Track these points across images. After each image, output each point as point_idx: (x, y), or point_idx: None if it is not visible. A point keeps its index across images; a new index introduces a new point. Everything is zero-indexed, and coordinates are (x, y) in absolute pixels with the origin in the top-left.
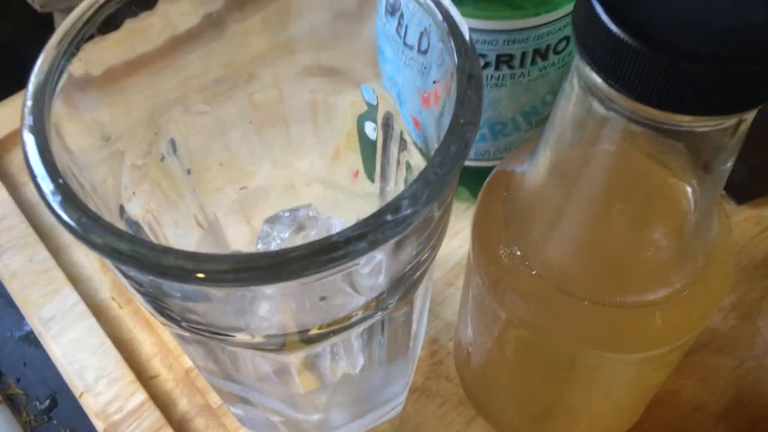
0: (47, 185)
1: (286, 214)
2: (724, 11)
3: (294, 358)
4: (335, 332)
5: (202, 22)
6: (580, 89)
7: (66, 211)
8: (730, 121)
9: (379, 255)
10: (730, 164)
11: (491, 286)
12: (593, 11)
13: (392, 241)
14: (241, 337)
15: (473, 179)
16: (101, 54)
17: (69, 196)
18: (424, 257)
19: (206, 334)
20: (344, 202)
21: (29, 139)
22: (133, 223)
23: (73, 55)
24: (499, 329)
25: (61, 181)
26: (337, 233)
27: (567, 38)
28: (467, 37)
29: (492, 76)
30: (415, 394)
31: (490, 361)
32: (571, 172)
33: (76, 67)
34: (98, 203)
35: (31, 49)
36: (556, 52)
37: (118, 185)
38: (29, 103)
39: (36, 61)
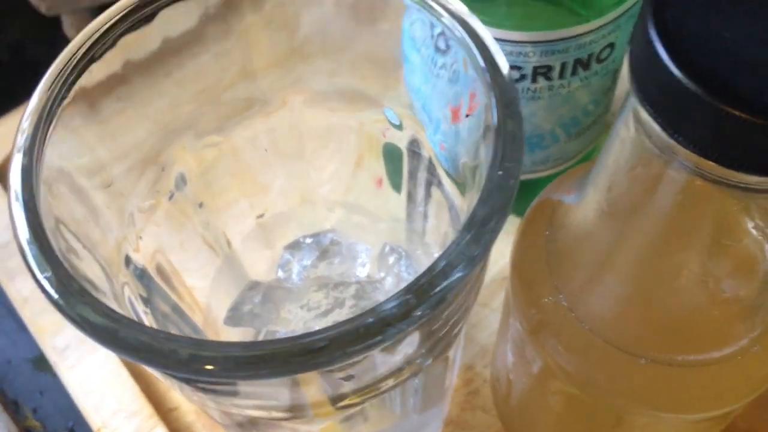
0: (42, 270)
1: (308, 240)
2: None
3: (320, 425)
4: (366, 399)
5: (207, 54)
6: (637, 134)
7: (55, 290)
8: None
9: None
10: None
11: (532, 334)
12: (655, 51)
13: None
14: (255, 413)
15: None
16: (96, 93)
17: (64, 281)
18: (462, 314)
19: (216, 402)
20: (369, 226)
21: (18, 212)
22: (141, 273)
23: (64, 98)
24: (539, 377)
25: (55, 261)
26: (372, 312)
27: (611, 45)
28: (507, 77)
29: (528, 89)
30: (450, 427)
31: (530, 403)
32: (626, 217)
33: (69, 114)
34: (98, 258)
35: (39, 53)
36: (599, 61)
37: (121, 234)
38: (17, 160)
39: (42, 70)
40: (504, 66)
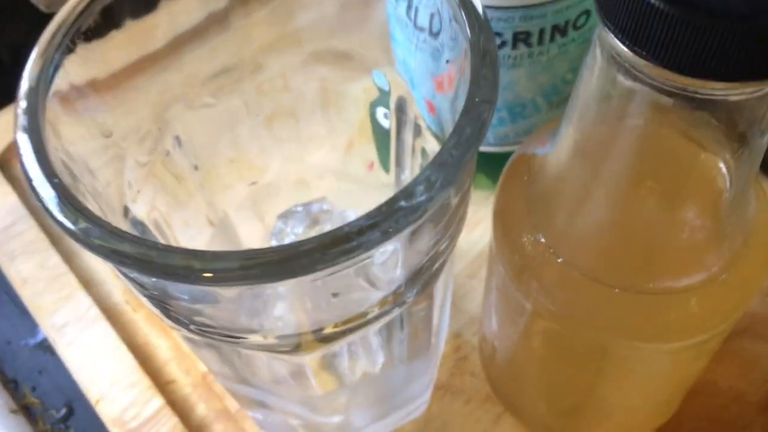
0: (44, 188)
1: (299, 208)
2: None
3: (310, 359)
4: (351, 330)
5: (207, 19)
6: (604, 60)
7: (64, 213)
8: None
9: (394, 245)
10: (765, 137)
11: (515, 275)
12: None
13: (407, 231)
14: (252, 339)
15: (493, 165)
16: (100, 52)
17: (66, 197)
18: (442, 248)
19: (216, 337)
20: (358, 193)
21: (23, 140)
22: (139, 224)
23: (70, 51)
24: (525, 321)
25: (57, 181)
26: (349, 224)
27: (587, 12)
28: (480, 10)
29: (509, 56)
30: (440, 392)
31: (517, 354)
32: (597, 151)
33: (73, 64)
34: (101, 205)
35: None
36: (575, 28)
37: (121, 185)
38: (23, 103)
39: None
40: (479, 7)
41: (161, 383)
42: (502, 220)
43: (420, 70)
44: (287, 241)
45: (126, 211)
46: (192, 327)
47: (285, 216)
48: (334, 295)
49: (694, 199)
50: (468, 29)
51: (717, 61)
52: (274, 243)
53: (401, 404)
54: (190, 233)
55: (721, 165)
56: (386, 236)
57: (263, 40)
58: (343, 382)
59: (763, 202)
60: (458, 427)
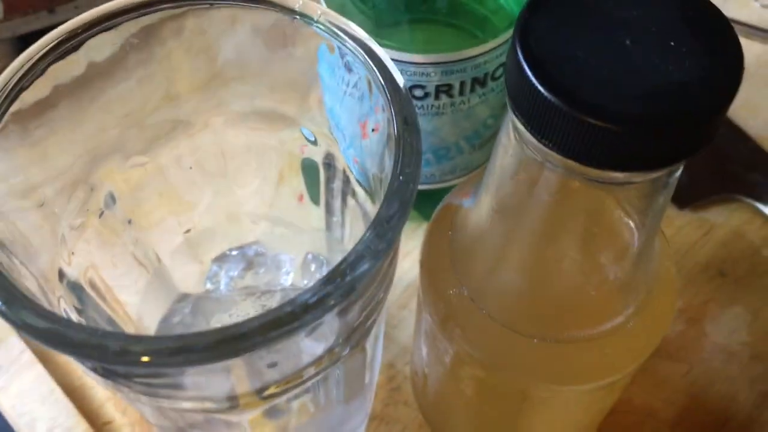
0: None
1: (234, 252)
2: (653, 69)
3: (249, 416)
4: (290, 389)
5: (131, 80)
6: (516, 141)
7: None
8: (661, 172)
9: (332, 315)
10: (668, 198)
11: (440, 324)
12: (523, 74)
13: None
14: (188, 405)
15: (421, 201)
16: (26, 117)
17: None
18: (375, 305)
19: (152, 398)
20: (292, 237)
21: None
22: (74, 286)
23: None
24: (450, 364)
25: None
26: (291, 302)
27: (504, 64)
28: (402, 85)
29: (432, 105)
30: (375, 422)
31: (445, 390)
32: (513, 215)
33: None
34: (34, 272)
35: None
36: (493, 79)
37: (54, 250)
38: None
39: None
40: (401, 82)
41: (99, 425)
42: (428, 271)
43: (346, 115)
44: (223, 283)
45: (61, 274)
46: (124, 388)
47: (220, 260)
48: (271, 365)
49: (604, 255)
50: (395, 123)
51: (610, 155)
52: (209, 286)
53: None
54: (125, 283)
55: (629, 221)
56: (329, 310)
57: (193, 97)
58: (283, 429)
59: (665, 251)
60: None
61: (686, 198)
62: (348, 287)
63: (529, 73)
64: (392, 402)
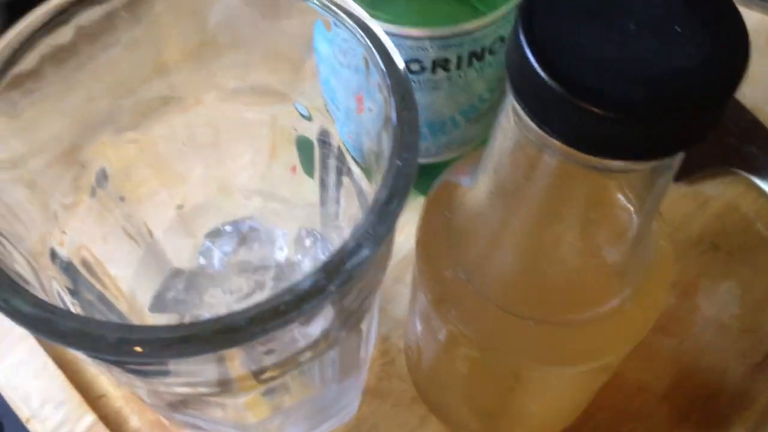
0: None
1: (228, 228)
2: (657, 55)
3: (245, 397)
4: (286, 371)
5: (118, 46)
6: (515, 125)
7: None
8: (664, 161)
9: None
10: (669, 182)
11: (435, 303)
12: (526, 59)
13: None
14: (182, 389)
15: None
16: (10, 87)
17: None
18: (371, 288)
19: (145, 380)
20: (285, 213)
21: None
22: (67, 266)
23: None
24: (445, 343)
25: None
26: (291, 289)
27: (502, 38)
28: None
29: (429, 80)
30: (369, 395)
31: (438, 366)
32: (511, 197)
33: None
34: (24, 253)
35: None
36: (491, 53)
37: (45, 229)
38: None
39: None
40: (400, 63)
41: (92, 398)
42: (424, 250)
43: (342, 87)
44: (216, 259)
45: (53, 254)
46: (116, 371)
47: (213, 235)
48: (268, 351)
49: (603, 236)
50: (392, 103)
51: (610, 143)
52: (202, 261)
53: (333, 414)
54: (118, 262)
55: (628, 205)
56: (330, 298)
57: (184, 68)
58: (278, 409)
59: (662, 230)
60: (386, 430)
61: (681, 171)
62: (347, 275)
63: (532, 59)
64: (386, 376)
